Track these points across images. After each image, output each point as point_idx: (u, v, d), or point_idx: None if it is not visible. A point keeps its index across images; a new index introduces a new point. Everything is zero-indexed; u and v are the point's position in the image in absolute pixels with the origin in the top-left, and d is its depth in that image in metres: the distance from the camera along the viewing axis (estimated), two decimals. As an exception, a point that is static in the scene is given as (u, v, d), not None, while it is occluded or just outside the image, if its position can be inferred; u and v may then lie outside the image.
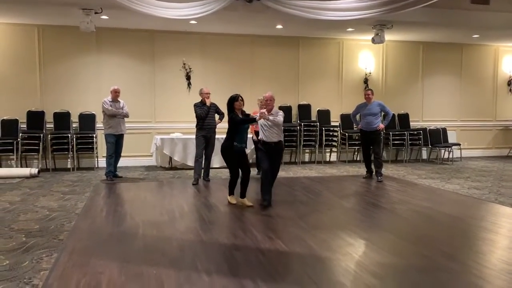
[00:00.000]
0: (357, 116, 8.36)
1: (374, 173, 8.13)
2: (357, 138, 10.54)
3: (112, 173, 8.06)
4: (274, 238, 4.58)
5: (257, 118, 5.77)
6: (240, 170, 6.09)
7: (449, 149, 10.78)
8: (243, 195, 6.07)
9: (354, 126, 8.61)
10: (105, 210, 5.92)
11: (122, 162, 8.68)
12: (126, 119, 8.22)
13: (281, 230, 4.87)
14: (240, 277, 3.51)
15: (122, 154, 8.34)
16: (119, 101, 8.07)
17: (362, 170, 9.31)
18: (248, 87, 9.95)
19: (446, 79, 11.56)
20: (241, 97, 6.02)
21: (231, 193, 6.29)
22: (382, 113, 8.23)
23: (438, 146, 10.87)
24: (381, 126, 8.05)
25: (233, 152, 5.94)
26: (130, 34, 9.62)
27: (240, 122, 5.88)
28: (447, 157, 10.88)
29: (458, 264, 3.89)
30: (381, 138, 8.61)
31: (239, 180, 6.12)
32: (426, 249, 4.31)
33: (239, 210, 6.15)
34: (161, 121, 9.95)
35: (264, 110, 5.74)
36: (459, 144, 10.92)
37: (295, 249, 4.26)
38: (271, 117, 5.76)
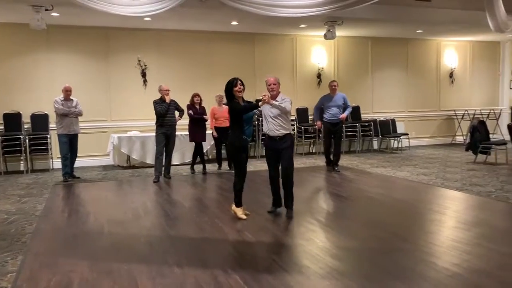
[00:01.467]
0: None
1: (332, 164, 8.44)
2: (312, 131, 10.90)
3: (68, 174, 7.91)
4: (241, 230, 4.75)
5: (261, 103, 4.84)
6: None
7: (398, 139, 11.38)
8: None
9: (315, 122, 8.64)
10: (67, 211, 5.85)
11: (78, 162, 8.52)
12: (80, 118, 8.07)
13: (247, 222, 5.03)
14: (211, 268, 3.65)
15: (78, 154, 8.19)
16: (71, 100, 7.90)
17: (318, 161, 9.67)
18: (204, 83, 10.01)
19: (394, 72, 12.15)
20: (240, 80, 4.99)
21: (239, 203, 5.16)
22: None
23: (388, 136, 11.45)
24: (344, 115, 8.28)
25: (243, 147, 5.07)
26: (83, 31, 9.40)
27: (242, 110, 4.99)
28: (396, 146, 11.48)
29: (410, 244, 4.23)
30: (342, 130, 8.88)
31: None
32: (381, 232, 4.63)
33: (204, 205, 6.28)
34: (117, 119, 9.81)
35: (266, 94, 4.86)
36: (407, 134, 11.54)
37: (261, 239, 4.45)
38: (276, 102, 4.94)
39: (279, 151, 5.11)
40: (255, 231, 4.69)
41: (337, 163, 8.39)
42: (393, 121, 11.67)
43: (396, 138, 11.43)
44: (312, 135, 10.98)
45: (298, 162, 9.70)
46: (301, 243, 4.32)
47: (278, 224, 4.95)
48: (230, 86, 4.96)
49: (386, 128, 11.53)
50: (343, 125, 8.96)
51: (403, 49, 12.18)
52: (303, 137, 10.85)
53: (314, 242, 4.33)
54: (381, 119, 11.60)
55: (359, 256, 4.00)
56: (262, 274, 3.51)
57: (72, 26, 9.24)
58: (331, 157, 8.51)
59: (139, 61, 9.78)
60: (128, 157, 9.40)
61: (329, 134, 8.43)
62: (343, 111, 8.33)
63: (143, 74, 9.89)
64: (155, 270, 3.65)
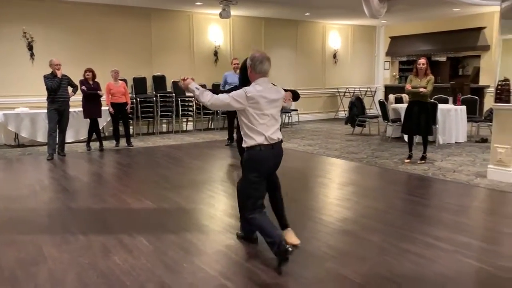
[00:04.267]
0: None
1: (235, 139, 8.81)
2: (210, 107, 11.26)
3: None
4: (142, 199, 5.00)
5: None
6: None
7: (289, 114, 12.30)
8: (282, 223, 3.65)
9: None
10: (-48, 191, 5.52)
11: (-42, 142, 7.87)
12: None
13: (148, 192, 5.30)
14: (116, 233, 3.90)
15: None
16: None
17: (217, 136, 10.12)
18: (99, 58, 9.75)
19: (284, 52, 12.97)
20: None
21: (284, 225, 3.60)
22: None
23: (280, 111, 12.28)
24: None
25: None
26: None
27: None
28: (287, 121, 12.40)
29: (296, 203, 4.88)
30: None
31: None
32: (271, 194, 5.24)
33: (104, 179, 6.36)
34: (2, 95, 9.16)
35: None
36: (297, 110, 12.51)
37: (163, 206, 4.77)
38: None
39: (276, 163, 3.47)
40: (156, 199, 4.99)
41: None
42: (285, 97, 12.52)
43: (286, 114, 12.33)
44: (210, 111, 11.35)
45: (198, 138, 10.06)
46: (201, 208, 4.74)
47: (178, 192, 5.28)
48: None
49: (279, 104, 12.35)
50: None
51: (293, 30, 13.02)
52: (202, 114, 11.19)
53: (212, 206, 4.78)
54: (274, 96, 12.37)
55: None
56: (165, 234, 3.86)
57: None
58: (234, 134, 8.84)
59: (25, 33, 9.18)
60: (16, 135, 8.88)
61: (232, 111, 8.66)
62: None
63: (30, 47, 9.31)
64: (59, 238, 3.80)
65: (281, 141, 3.36)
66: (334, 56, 13.96)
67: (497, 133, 5.67)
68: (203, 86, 11.22)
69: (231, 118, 8.84)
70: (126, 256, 3.38)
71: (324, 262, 3.30)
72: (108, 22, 10.11)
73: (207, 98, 3.21)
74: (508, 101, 5.54)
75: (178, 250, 3.52)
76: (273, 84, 3.40)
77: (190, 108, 11.19)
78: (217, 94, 3.30)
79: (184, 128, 11.29)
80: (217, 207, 4.75)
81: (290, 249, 3.00)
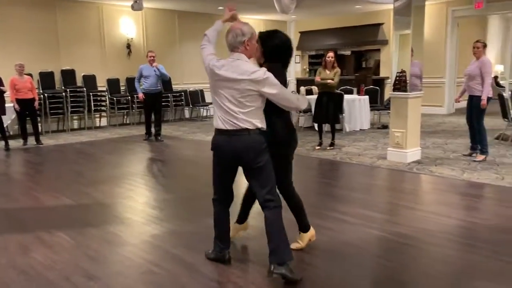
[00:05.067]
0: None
1: (154, 133, 8.66)
2: (125, 102, 11.02)
3: None
4: (58, 196, 4.85)
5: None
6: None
7: (207, 107, 12.42)
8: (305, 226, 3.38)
9: (138, 94, 8.60)
10: None
11: None
12: None
13: (64, 189, 5.13)
14: (33, 231, 3.78)
15: None
16: None
17: (134, 131, 9.94)
18: (0, 52, 9.08)
19: (200, 45, 13.00)
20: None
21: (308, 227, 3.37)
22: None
23: (198, 105, 12.38)
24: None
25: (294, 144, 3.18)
26: None
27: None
28: (206, 114, 12.52)
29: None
30: (162, 100, 8.90)
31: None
32: (193, 184, 5.38)
33: (14, 179, 6.03)
34: None
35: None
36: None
37: (81, 202, 4.68)
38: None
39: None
40: (73, 196, 4.86)
41: (160, 133, 8.69)
42: (202, 91, 12.63)
43: (205, 107, 12.45)
44: (125, 106, 11.09)
45: (113, 133, 9.79)
46: (121, 201, 4.72)
47: (96, 188, 5.19)
48: (289, 50, 3.09)
49: (196, 98, 12.43)
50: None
51: (208, 24, 12.88)
52: (116, 109, 10.88)
53: (133, 199, 4.79)
54: (191, 89, 12.42)
55: (175, 204, 4.64)
56: (86, 229, 3.83)
57: None
58: (153, 127, 8.70)
59: None
60: None
61: (150, 104, 8.50)
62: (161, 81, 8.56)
63: None
64: (-31, 241, 3.59)
65: (245, 131, 2.73)
66: (248, 49, 14.29)
67: (394, 119, 6.34)
68: (116, 80, 11.01)
69: (148, 112, 8.75)
70: (47, 252, 3.32)
71: (247, 241, 3.53)
72: (9, 11, 9.41)
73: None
74: (405, 91, 6.19)
75: (101, 242, 3.52)
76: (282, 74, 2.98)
77: (103, 103, 10.84)
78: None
79: (98, 124, 10.90)
80: (138, 200, 4.77)
81: (227, 257, 3.03)
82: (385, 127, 9.36)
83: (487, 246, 3.31)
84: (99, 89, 10.78)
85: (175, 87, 12.19)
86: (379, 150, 7.09)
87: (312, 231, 3.36)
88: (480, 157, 6.10)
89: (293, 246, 3.18)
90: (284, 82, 2.92)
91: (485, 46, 6.04)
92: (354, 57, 14.33)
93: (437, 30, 11.80)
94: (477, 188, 4.99)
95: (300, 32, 15.09)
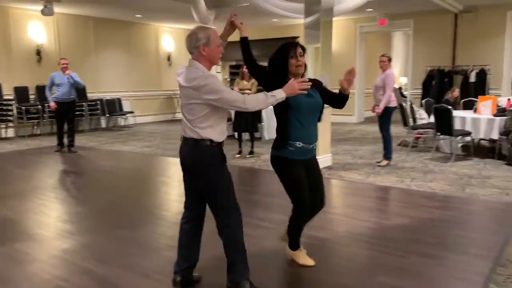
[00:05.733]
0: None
1: (67, 144, 8.24)
2: (36, 111, 10.37)
3: None
4: (-44, 214, 4.47)
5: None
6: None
7: (124, 116, 12.11)
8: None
9: (49, 103, 8.09)
10: None
11: None
12: None
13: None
14: None
15: None
16: None
17: (45, 143, 9.39)
18: None
19: (117, 53, 12.67)
20: (300, 47, 3.02)
21: (297, 245, 3.30)
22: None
23: (115, 114, 12.03)
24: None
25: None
26: None
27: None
28: (123, 124, 12.18)
29: (138, 202, 4.99)
30: (75, 109, 8.50)
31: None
32: (106, 195, 5.26)
33: None
34: None
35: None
36: (133, 112, 12.40)
37: (-16, 219, 4.36)
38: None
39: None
40: (-24, 213, 4.52)
41: (73, 144, 8.27)
42: (119, 100, 12.28)
43: (122, 116, 12.12)
44: (35, 115, 10.44)
45: (22, 145, 9.18)
46: (31, 216, 4.48)
47: (4, 204, 4.87)
48: (285, 55, 2.98)
49: (113, 107, 12.06)
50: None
51: (125, 31, 12.81)
52: (25, 118, 10.21)
53: (44, 213, 4.56)
54: (107, 98, 12.02)
55: (87, 217, 4.49)
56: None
57: None
58: (65, 138, 8.27)
59: None
60: None
61: (62, 113, 8.08)
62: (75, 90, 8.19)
63: None
64: None
65: (191, 140, 2.64)
66: (169, 58, 14.20)
67: (308, 127, 6.69)
68: (25, 88, 10.34)
69: (60, 122, 8.31)
70: None
71: (162, 252, 3.53)
72: None
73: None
74: (315, 101, 6.55)
75: (7, 261, 3.33)
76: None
77: (10, 113, 10.11)
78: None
79: (3, 135, 10.14)
80: (49, 214, 4.55)
81: (177, 279, 2.83)
82: (301, 135, 9.78)
83: (389, 244, 3.65)
84: (5, 98, 10.06)
85: (91, 95, 11.74)
86: (295, 158, 7.40)
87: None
88: (385, 162, 6.65)
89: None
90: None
91: (390, 60, 6.61)
92: (273, 68, 14.79)
93: (346, 44, 12.65)
94: (380, 191, 5.44)
95: (220, 42, 15.27)
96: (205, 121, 2.61)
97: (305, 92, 2.69)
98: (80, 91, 10.72)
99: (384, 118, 6.52)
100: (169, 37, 14.21)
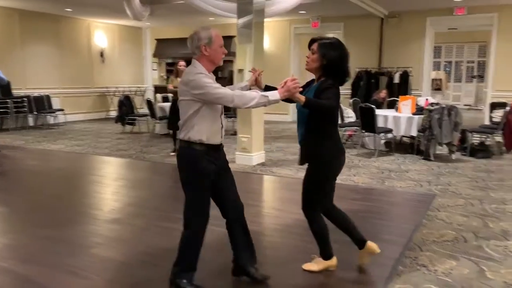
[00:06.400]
0: None
1: None
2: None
3: None
4: None
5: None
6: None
7: (54, 114, 11.60)
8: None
9: None
10: None
11: None
12: None
13: None
14: None
15: None
16: None
17: (-38, 141, 8.79)
18: None
19: (46, 48, 12.09)
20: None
21: (330, 253, 3.15)
22: None
23: (43, 112, 11.48)
24: None
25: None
26: None
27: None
28: (53, 122, 11.66)
29: (68, 202, 4.86)
30: None
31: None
32: (31, 195, 5.08)
33: None
34: None
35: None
36: (63, 110, 11.90)
37: None
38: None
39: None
40: None
41: None
42: (48, 97, 11.74)
43: (51, 114, 11.60)
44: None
45: None
46: None
47: None
48: (344, 57, 2.88)
49: (41, 104, 11.50)
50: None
51: (55, 25, 12.25)
52: None
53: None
54: (35, 95, 11.44)
55: (10, 217, 4.35)
56: None
57: None
58: None
59: None
60: None
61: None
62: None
63: None
64: None
65: (182, 142, 2.70)
66: (102, 54, 13.77)
67: (241, 126, 6.86)
68: None
69: None
70: None
71: (90, 249, 3.51)
72: None
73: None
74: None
75: None
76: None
77: None
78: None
79: None
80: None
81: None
82: (235, 133, 9.95)
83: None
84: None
85: (17, 92, 11.13)
86: (230, 155, 7.45)
87: (369, 246, 3.14)
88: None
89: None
90: (339, 98, 2.84)
91: None
92: (210, 67, 14.86)
93: (282, 44, 13.00)
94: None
95: (156, 40, 15.07)
96: (195, 120, 2.60)
97: (301, 89, 2.66)
98: (4, 87, 10.19)
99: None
100: (102, 33, 13.77)
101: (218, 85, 2.59)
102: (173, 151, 7.60)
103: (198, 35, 2.61)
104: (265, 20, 7.11)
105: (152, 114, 9.61)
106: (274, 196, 5.33)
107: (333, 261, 3.11)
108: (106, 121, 12.88)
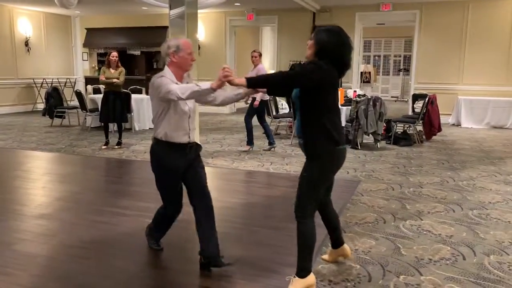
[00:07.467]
0: None
1: None
2: None
3: None
4: None
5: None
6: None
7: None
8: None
9: None
10: None
11: None
12: None
13: None
14: None
15: None
16: None
17: None
18: None
19: (-38, 36, 11.21)
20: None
21: (309, 269, 2.82)
22: None
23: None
24: None
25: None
26: None
27: None
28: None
29: (-18, 197, 4.60)
30: None
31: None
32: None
33: None
34: None
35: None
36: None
37: None
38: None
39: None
40: None
41: None
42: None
43: (-29, 107, 10.79)
44: None
45: None
46: None
47: None
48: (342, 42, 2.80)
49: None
50: None
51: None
52: None
53: None
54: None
55: None
56: None
57: None
58: None
59: None
60: None
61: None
62: None
63: None
64: None
65: (153, 139, 3.01)
66: (26, 44, 12.97)
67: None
68: None
69: None
70: None
71: (12, 246, 3.38)
72: None
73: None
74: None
75: None
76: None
77: None
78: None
79: None
80: None
81: None
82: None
83: (245, 221, 4.01)
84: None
85: None
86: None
87: (344, 248, 3.18)
88: (246, 148, 7.16)
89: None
90: (326, 80, 2.60)
91: (260, 55, 7.13)
92: (145, 58, 14.53)
93: (217, 36, 13.00)
94: (243, 175, 5.84)
95: (86, 29, 14.45)
96: (164, 118, 2.85)
97: (232, 77, 2.54)
98: None
99: (261, 110, 7.03)
100: (26, 21, 12.96)
101: (175, 85, 2.74)
102: (105, 144, 7.41)
103: (168, 44, 2.89)
104: (201, 11, 7.10)
105: (83, 106, 9.25)
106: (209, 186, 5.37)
107: (311, 279, 2.75)
108: (33, 114, 12.19)
